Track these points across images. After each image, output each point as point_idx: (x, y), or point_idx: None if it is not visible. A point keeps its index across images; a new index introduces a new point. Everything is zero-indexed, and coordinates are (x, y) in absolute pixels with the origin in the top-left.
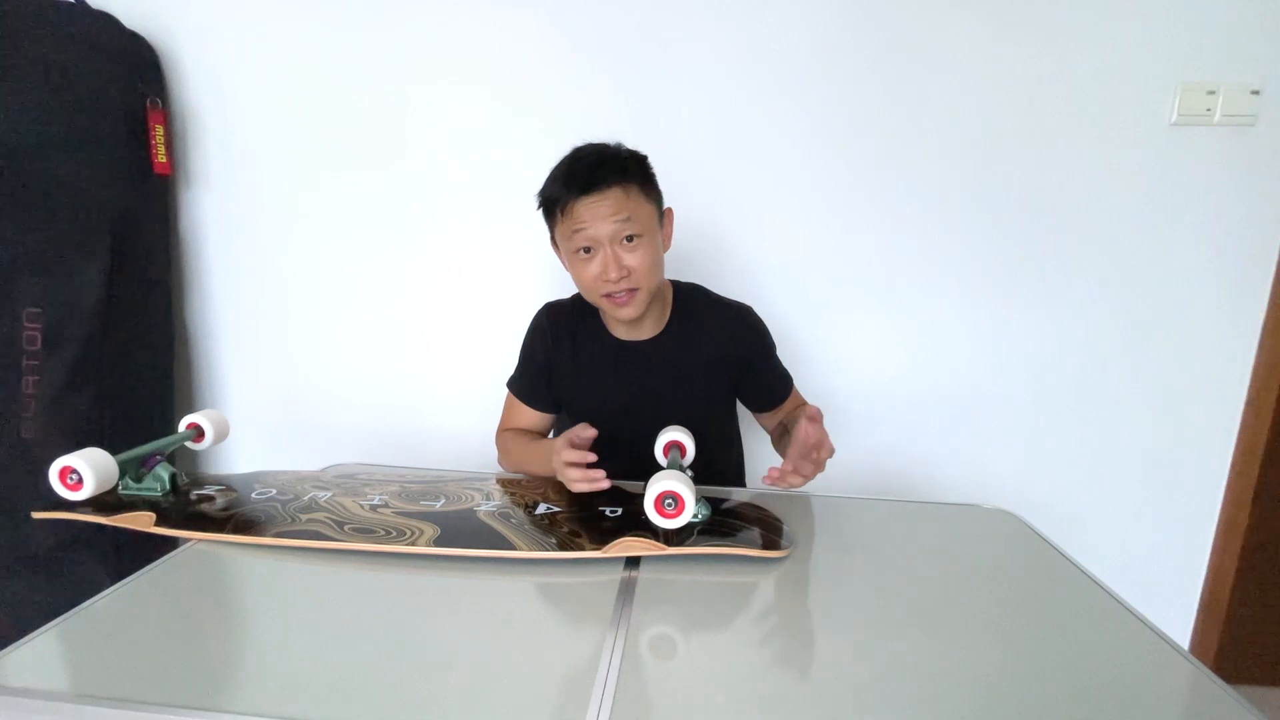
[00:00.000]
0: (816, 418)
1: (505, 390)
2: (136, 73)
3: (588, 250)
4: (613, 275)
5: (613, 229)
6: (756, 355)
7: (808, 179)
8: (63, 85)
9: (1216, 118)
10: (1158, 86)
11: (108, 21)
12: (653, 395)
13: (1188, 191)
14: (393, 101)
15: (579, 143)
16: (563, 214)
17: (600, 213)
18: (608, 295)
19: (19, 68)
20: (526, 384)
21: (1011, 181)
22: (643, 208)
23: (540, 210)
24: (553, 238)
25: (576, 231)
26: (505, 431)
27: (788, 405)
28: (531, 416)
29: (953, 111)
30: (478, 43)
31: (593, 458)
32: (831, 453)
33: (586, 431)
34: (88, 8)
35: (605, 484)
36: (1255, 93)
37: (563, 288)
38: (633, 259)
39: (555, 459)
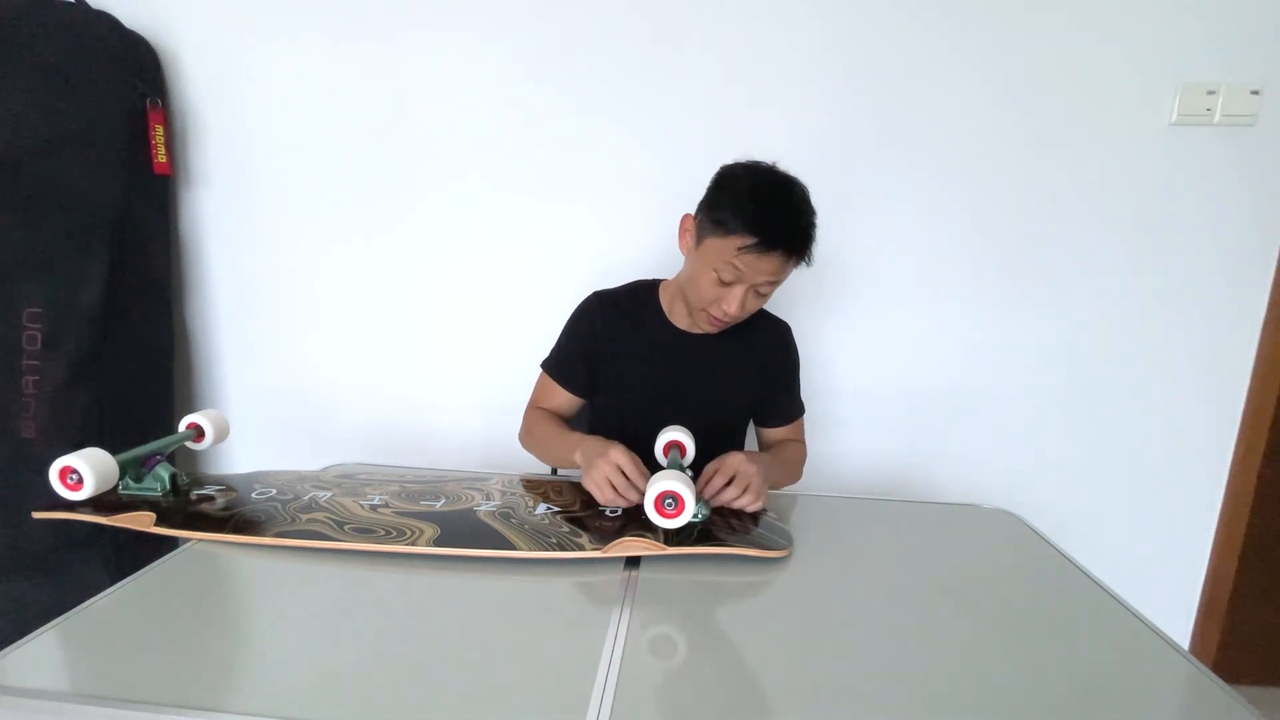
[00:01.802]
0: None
1: (506, 389)
2: (136, 73)
3: (729, 281)
4: (733, 311)
5: (763, 280)
6: (786, 372)
7: (806, 179)
8: (63, 85)
9: (1216, 118)
10: (1158, 86)
11: (108, 21)
12: (694, 387)
13: (1188, 191)
14: (394, 101)
15: (585, 141)
16: (739, 249)
17: (766, 269)
18: (712, 316)
19: (19, 68)
20: (565, 366)
21: (1011, 181)
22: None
23: (712, 203)
24: (701, 225)
25: (736, 268)
26: (534, 409)
27: (791, 430)
28: (563, 398)
29: (952, 111)
30: (479, 41)
31: (637, 498)
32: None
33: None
34: (88, 8)
35: (635, 499)
36: (1255, 93)
37: (564, 289)
38: (754, 305)
39: (601, 462)
